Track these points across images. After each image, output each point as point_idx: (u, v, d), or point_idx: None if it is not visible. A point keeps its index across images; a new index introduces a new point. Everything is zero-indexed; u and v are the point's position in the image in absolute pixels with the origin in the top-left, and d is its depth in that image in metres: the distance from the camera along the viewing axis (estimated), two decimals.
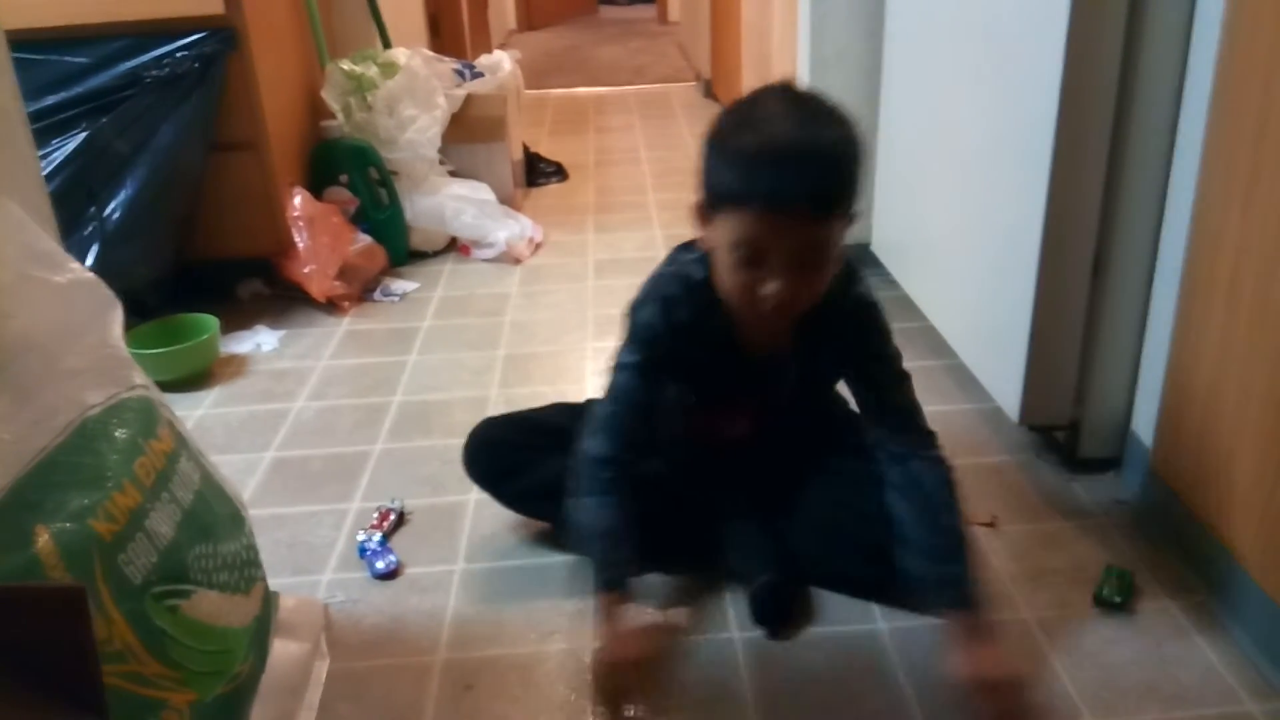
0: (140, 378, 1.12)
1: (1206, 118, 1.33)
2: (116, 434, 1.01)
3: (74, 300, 1.10)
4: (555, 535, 1.54)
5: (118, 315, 1.17)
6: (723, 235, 1.22)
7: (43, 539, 0.88)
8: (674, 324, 1.33)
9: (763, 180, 1.16)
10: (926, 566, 1.28)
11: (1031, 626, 1.35)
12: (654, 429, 1.41)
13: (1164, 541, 1.48)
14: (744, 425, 1.45)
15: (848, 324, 1.35)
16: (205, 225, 2.42)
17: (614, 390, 1.38)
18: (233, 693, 1.04)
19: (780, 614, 1.38)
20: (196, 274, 2.48)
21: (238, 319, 2.41)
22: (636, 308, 1.37)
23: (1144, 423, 1.56)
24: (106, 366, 1.09)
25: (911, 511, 1.32)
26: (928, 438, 1.38)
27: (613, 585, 1.28)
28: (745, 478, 1.49)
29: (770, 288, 1.19)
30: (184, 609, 0.99)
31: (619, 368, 1.38)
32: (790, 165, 1.15)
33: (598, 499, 1.33)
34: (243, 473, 1.79)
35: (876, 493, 1.36)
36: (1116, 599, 1.37)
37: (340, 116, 2.68)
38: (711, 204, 1.22)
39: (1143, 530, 1.52)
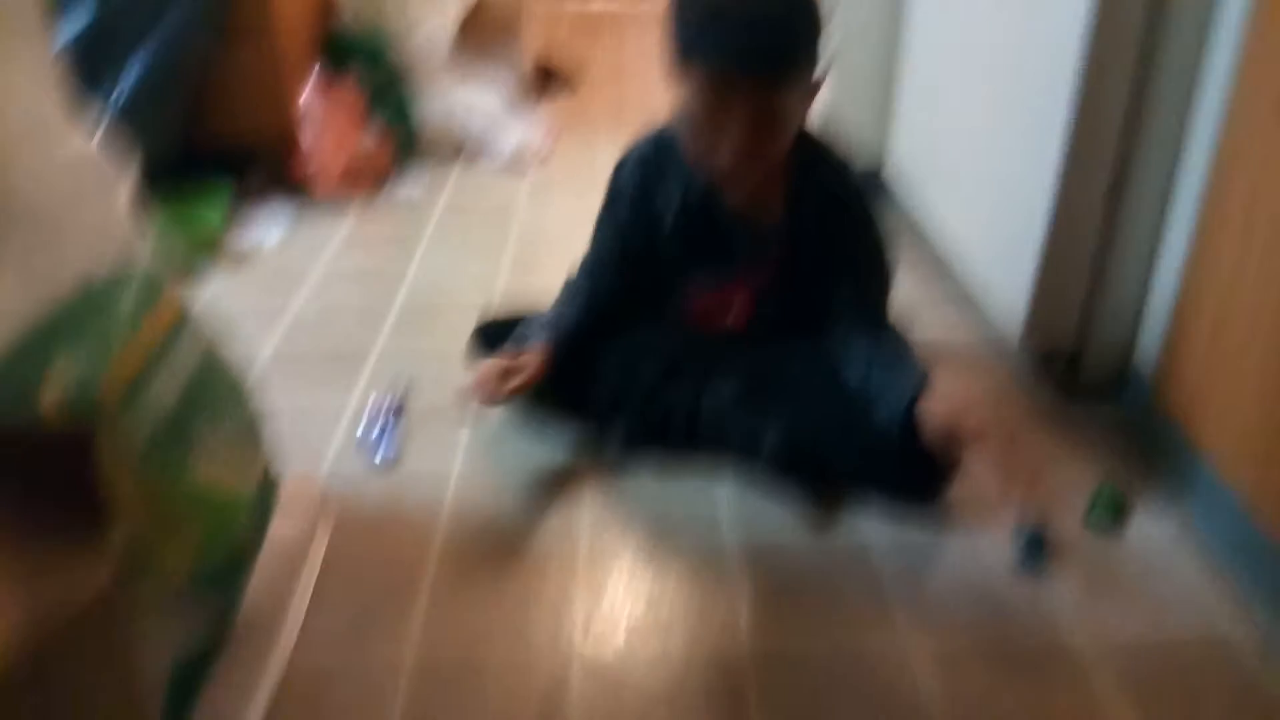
0: (145, 249, 1.11)
1: (1238, 39, 1.31)
2: (121, 301, 1.01)
3: (81, 171, 1.10)
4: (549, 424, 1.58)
5: (125, 187, 1.16)
6: (681, 93, 1.28)
7: (48, 399, 0.88)
8: (651, 173, 1.41)
9: (709, 43, 1.21)
10: (883, 380, 1.37)
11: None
12: (631, 284, 1.50)
13: (1158, 468, 1.49)
14: (740, 309, 1.46)
15: (836, 205, 1.39)
16: (212, 113, 2.39)
17: (592, 242, 1.51)
18: (232, 559, 1.06)
19: (796, 463, 1.40)
20: (202, 163, 2.46)
21: (242, 210, 2.39)
22: (619, 164, 1.47)
23: (1147, 351, 1.56)
24: (112, 236, 1.09)
25: (865, 364, 1.41)
26: (889, 330, 1.45)
27: (522, 342, 1.43)
28: (739, 364, 1.50)
29: (724, 149, 1.26)
30: (187, 474, 1.00)
31: (598, 222, 1.51)
32: (737, 29, 1.20)
33: (557, 308, 1.48)
34: (244, 363, 1.79)
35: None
36: (1106, 520, 1.39)
37: (352, 13, 2.63)
38: (671, 61, 1.27)
39: (1137, 457, 1.53)
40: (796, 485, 1.43)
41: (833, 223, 1.40)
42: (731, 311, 1.48)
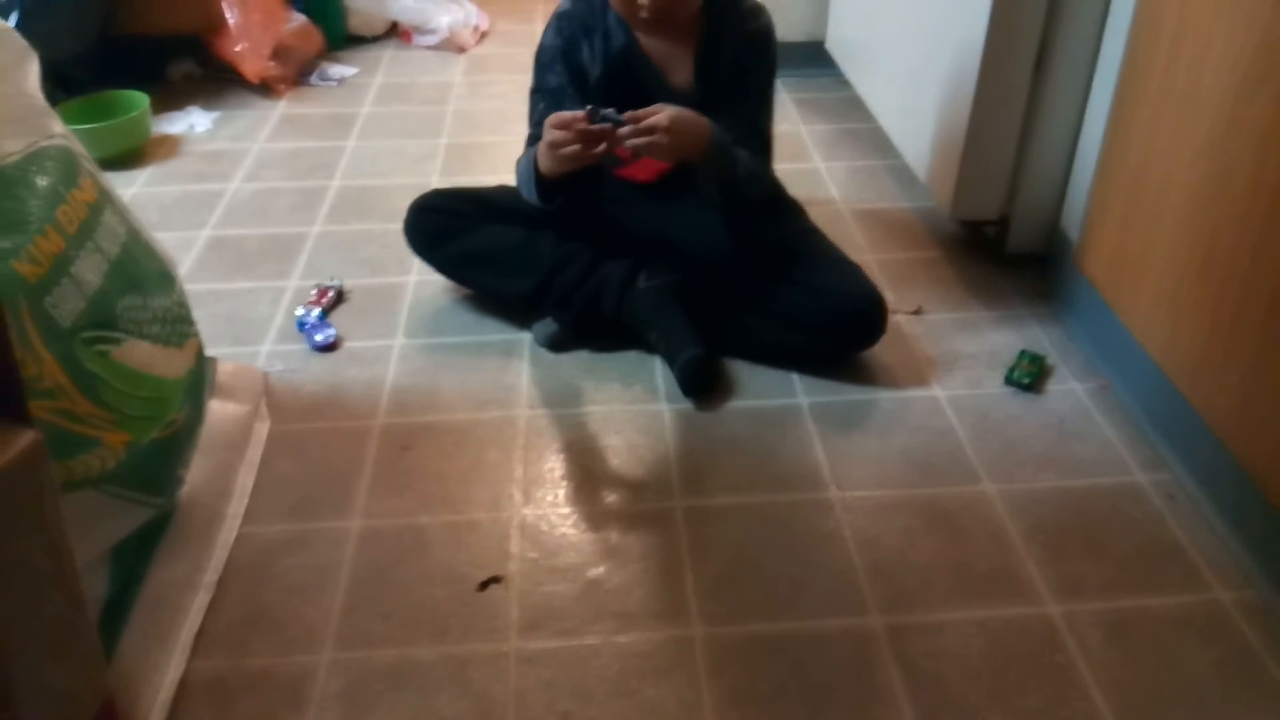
0: (59, 128, 1.09)
1: None
2: (37, 181, 1.00)
3: None
4: (491, 305, 1.60)
5: (34, 66, 1.13)
6: None
7: None
8: (576, 28, 1.45)
9: None
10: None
11: (941, 403, 1.42)
12: None
13: (1078, 330, 1.55)
14: (656, 164, 1.49)
15: (744, 55, 1.45)
16: (131, 5, 2.29)
17: (532, 117, 1.51)
18: (169, 438, 1.07)
19: (704, 383, 1.44)
20: (125, 51, 2.37)
21: (169, 99, 2.33)
22: (545, 29, 1.48)
23: (1070, 219, 1.60)
24: (23, 115, 1.07)
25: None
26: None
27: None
28: (655, 220, 1.55)
29: None
30: (115, 355, 1.00)
31: (532, 100, 1.51)
32: None
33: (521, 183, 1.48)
34: (178, 250, 1.78)
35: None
36: (1025, 380, 1.44)
37: None
38: None
39: (1059, 321, 1.59)
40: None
41: (735, 73, 1.45)
42: (651, 166, 1.51)
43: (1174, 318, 1.30)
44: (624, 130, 1.31)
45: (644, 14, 1.36)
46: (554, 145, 1.32)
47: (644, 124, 1.31)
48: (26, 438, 0.63)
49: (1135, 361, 1.39)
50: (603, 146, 1.32)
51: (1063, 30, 1.50)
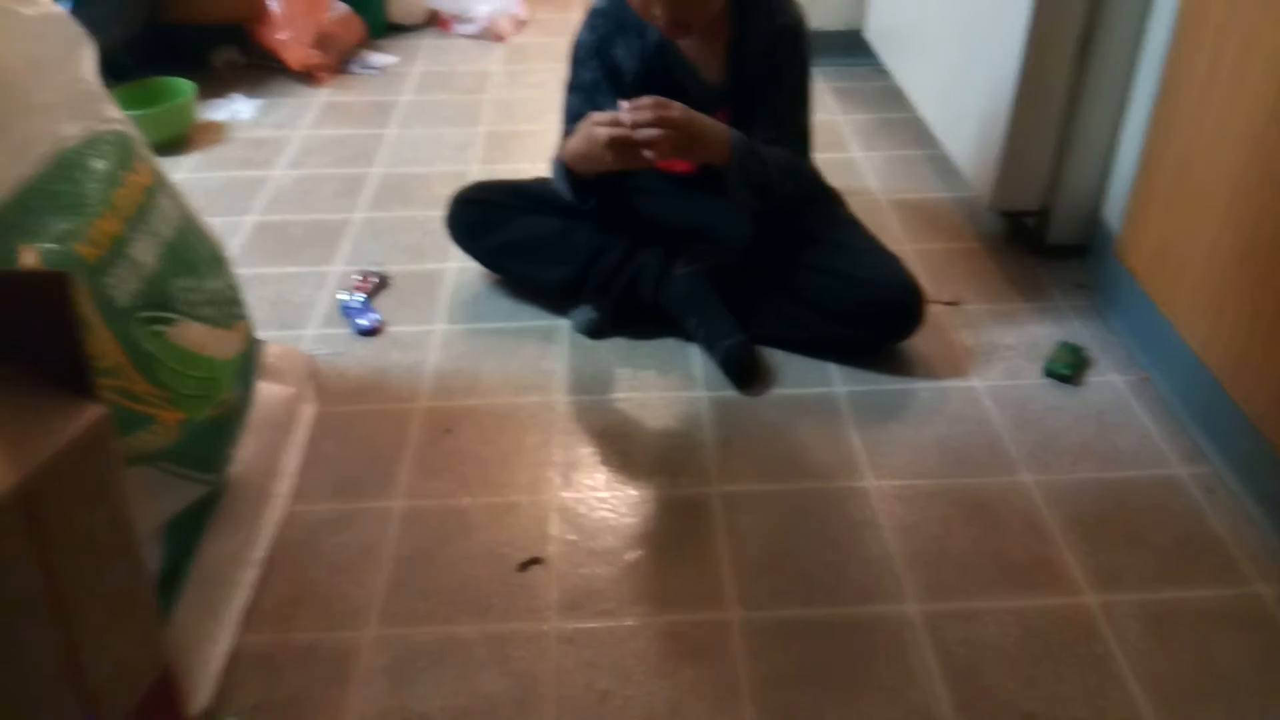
0: (115, 113, 1.12)
1: None
2: (94, 165, 1.03)
3: (45, 35, 1.09)
4: (529, 292, 1.62)
5: (89, 51, 1.16)
6: None
7: (27, 258, 0.91)
8: (611, 26, 1.46)
9: None
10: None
11: (980, 394, 1.42)
12: None
13: (1118, 322, 1.54)
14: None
15: (774, 50, 1.44)
16: None
17: (566, 113, 1.53)
18: (221, 418, 1.10)
19: (749, 368, 1.45)
20: (170, 39, 2.41)
21: (213, 87, 2.36)
22: (580, 27, 1.51)
23: (1112, 210, 1.59)
24: (80, 101, 1.09)
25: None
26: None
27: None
28: (692, 210, 1.56)
29: (657, 8, 1.33)
30: (169, 335, 1.03)
31: (567, 94, 1.53)
32: None
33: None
34: (224, 234, 1.77)
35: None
36: (1065, 371, 1.44)
37: None
38: None
39: (1099, 312, 1.58)
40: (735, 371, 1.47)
41: (769, 69, 1.45)
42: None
43: (1215, 310, 1.29)
44: (640, 118, 1.31)
45: (658, 24, 1.37)
46: (614, 139, 1.33)
47: (653, 116, 1.31)
48: (95, 412, 0.65)
49: (1176, 354, 1.38)
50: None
51: (1106, 18, 1.49)
